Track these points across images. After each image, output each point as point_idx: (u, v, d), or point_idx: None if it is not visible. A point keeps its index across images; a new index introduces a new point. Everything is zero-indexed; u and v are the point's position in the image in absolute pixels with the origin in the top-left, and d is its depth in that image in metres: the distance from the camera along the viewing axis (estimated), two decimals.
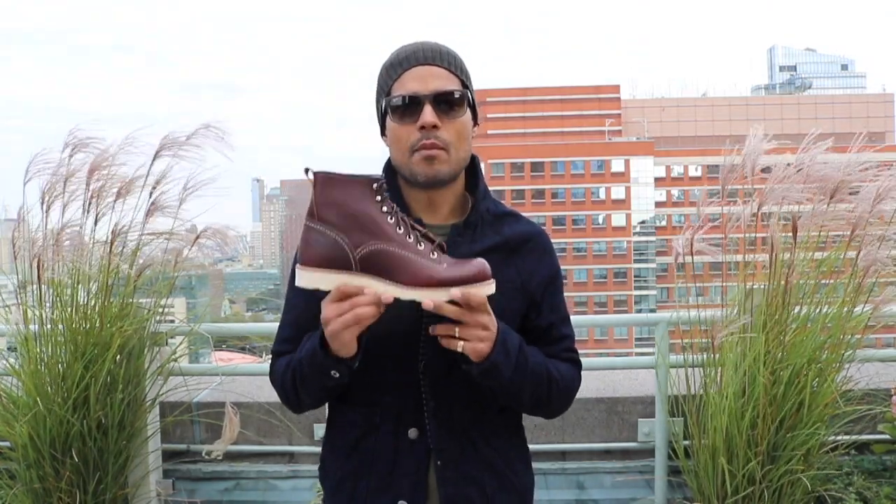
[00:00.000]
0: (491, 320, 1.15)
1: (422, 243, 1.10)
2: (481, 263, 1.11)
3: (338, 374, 1.17)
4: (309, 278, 1.09)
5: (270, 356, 1.40)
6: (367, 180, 1.09)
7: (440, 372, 1.25)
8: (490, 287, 1.11)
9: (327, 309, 1.09)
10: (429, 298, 1.08)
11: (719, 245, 2.61)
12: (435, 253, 1.11)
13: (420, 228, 1.13)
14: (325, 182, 1.08)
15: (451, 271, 1.09)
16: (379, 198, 1.09)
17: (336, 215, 1.07)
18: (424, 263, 1.09)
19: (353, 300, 1.07)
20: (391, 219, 1.09)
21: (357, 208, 1.08)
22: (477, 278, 1.09)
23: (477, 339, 1.13)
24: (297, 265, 1.11)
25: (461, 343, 1.13)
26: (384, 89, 1.29)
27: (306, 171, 1.08)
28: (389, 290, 1.08)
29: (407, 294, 1.08)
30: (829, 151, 2.53)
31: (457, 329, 1.12)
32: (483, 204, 1.33)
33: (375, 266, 1.08)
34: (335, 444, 1.37)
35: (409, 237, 1.10)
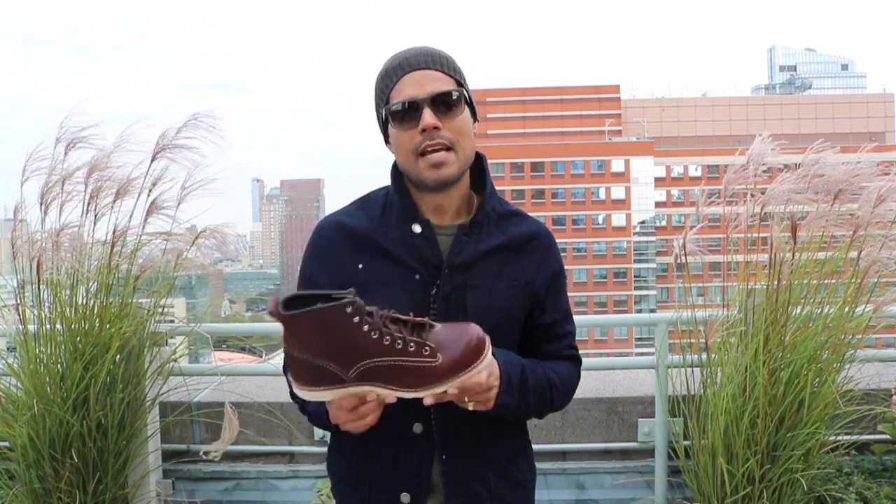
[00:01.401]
0: (494, 378, 1.18)
1: (412, 344, 1.06)
2: (473, 338, 1.08)
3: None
4: (310, 396, 1.09)
5: (270, 356, 1.42)
6: (338, 307, 1.02)
7: None
8: (488, 357, 1.10)
9: (335, 415, 1.15)
10: (430, 394, 1.08)
11: (719, 245, 2.61)
12: (426, 348, 1.06)
13: (405, 319, 1.08)
14: (294, 323, 1.01)
15: (446, 360, 1.06)
16: (357, 317, 1.03)
17: (316, 347, 1.03)
18: (418, 367, 1.06)
19: (359, 411, 1.11)
20: (374, 334, 1.04)
21: (336, 336, 1.03)
22: (474, 356, 1.08)
23: (483, 400, 1.18)
24: (294, 384, 1.09)
25: (471, 404, 1.17)
26: (383, 98, 1.31)
27: (270, 313, 1.02)
28: (391, 393, 1.08)
29: (408, 395, 1.08)
30: (832, 151, 2.54)
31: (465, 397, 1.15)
32: (489, 203, 1.35)
33: (371, 378, 1.06)
34: (341, 437, 1.39)
35: (398, 344, 1.05)
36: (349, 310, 1.02)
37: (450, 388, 1.07)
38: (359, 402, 1.09)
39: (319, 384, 1.06)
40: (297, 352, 1.04)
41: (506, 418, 1.30)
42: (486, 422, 1.33)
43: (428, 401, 1.08)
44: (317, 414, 1.28)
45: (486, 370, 1.12)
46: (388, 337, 1.05)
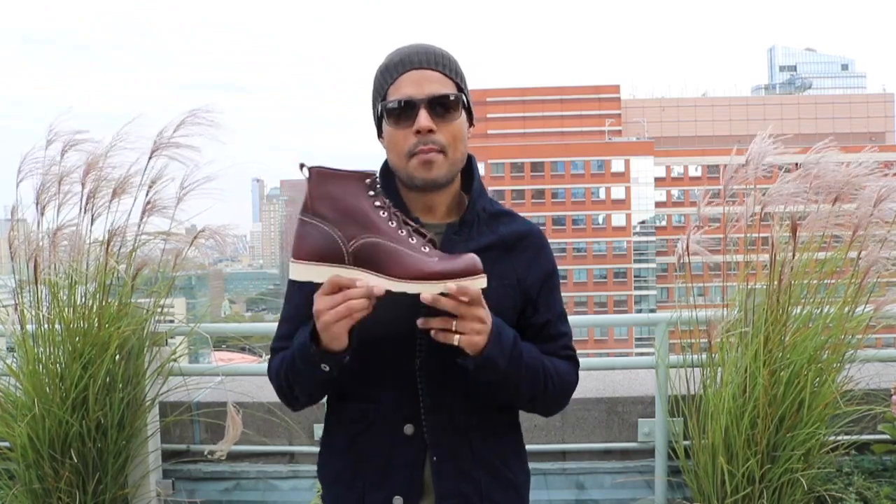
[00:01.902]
0: (486, 314, 1.16)
1: (414, 237, 1.12)
2: (472, 258, 1.11)
3: (328, 368, 1.18)
4: (302, 271, 1.11)
5: (270, 355, 1.41)
6: (360, 175, 1.12)
7: (437, 369, 1.26)
8: (482, 281, 1.11)
9: (319, 301, 1.11)
10: (420, 291, 1.08)
11: (719, 245, 2.61)
12: (427, 247, 1.12)
13: (412, 223, 1.14)
14: (320, 176, 1.11)
15: (442, 265, 1.10)
16: (372, 192, 1.12)
17: (330, 209, 1.10)
18: (416, 257, 1.10)
19: (346, 293, 1.08)
20: (384, 213, 1.12)
21: (350, 202, 1.10)
22: (468, 272, 1.10)
23: (473, 332, 1.14)
24: (291, 259, 1.12)
25: (457, 336, 1.14)
26: (380, 93, 1.30)
27: (301, 166, 1.12)
28: (381, 283, 1.09)
29: (398, 287, 1.09)
30: (832, 151, 2.54)
31: (454, 322, 1.13)
32: (479, 203, 1.35)
33: (367, 259, 1.10)
34: (333, 439, 1.39)
35: (402, 231, 1.12)
36: (368, 181, 1.12)
37: (449, 286, 1.08)
38: (349, 285, 1.08)
39: (318, 258, 1.10)
40: (313, 212, 1.10)
41: (495, 391, 1.26)
42: (478, 425, 1.32)
43: (426, 297, 1.08)
44: (303, 354, 1.20)
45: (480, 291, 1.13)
46: (394, 221, 1.12)
